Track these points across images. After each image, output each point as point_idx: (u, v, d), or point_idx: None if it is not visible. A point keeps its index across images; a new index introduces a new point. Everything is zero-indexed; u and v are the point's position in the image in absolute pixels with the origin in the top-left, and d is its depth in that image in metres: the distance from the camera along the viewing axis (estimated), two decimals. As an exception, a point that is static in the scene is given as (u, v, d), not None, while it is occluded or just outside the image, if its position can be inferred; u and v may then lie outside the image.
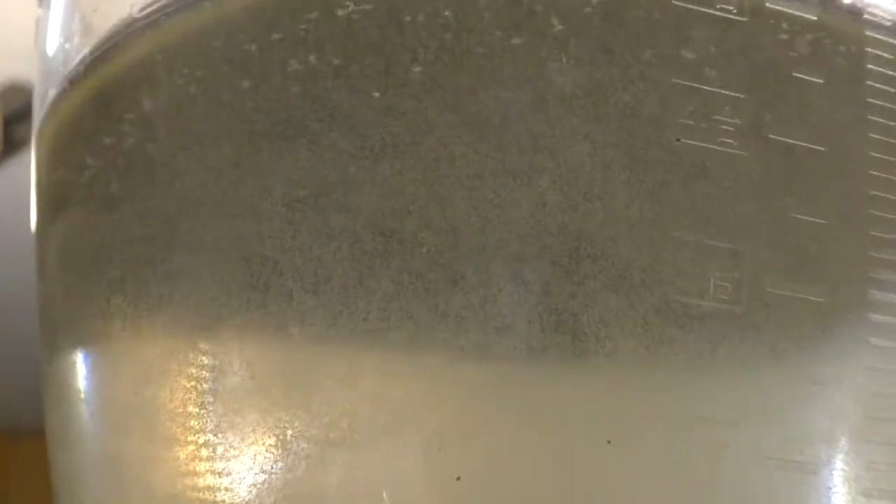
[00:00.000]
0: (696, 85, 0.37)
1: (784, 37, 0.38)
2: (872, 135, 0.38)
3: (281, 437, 0.37)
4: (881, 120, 0.38)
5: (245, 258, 0.38)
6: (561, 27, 0.37)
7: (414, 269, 0.37)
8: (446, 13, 0.38)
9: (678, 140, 0.37)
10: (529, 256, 0.37)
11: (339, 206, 0.38)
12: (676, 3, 0.37)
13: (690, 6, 0.37)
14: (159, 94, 0.41)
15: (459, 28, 0.38)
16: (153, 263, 0.40)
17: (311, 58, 0.39)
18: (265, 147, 0.39)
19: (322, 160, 0.38)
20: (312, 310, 0.37)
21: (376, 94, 0.38)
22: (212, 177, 0.40)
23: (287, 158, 0.38)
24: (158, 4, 0.42)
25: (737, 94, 0.37)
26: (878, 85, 0.38)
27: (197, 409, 0.39)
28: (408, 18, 0.38)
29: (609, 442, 0.36)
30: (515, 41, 0.37)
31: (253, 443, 0.38)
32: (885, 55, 0.39)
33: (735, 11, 0.37)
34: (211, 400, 0.39)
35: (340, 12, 0.38)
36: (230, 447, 0.38)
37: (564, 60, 0.38)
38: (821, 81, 0.38)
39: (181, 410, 0.39)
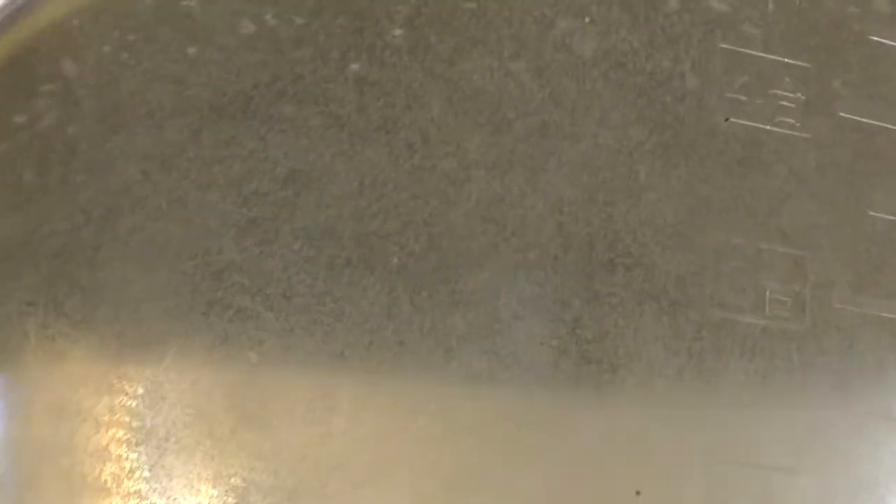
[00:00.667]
0: (748, 51, 0.30)
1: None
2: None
3: (229, 485, 0.30)
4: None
5: (190, 266, 0.31)
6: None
7: (400, 282, 0.30)
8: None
9: (727, 119, 0.30)
10: (542, 266, 0.30)
11: (306, 201, 0.31)
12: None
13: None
14: (84, 63, 0.33)
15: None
16: (74, 275, 0.32)
17: (268, 17, 0.31)
18: (216, 129, 0.31)
19: (286, 145, 0.30)
20: (272, 330, 0.30)
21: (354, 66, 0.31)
22: (150, 166, 0.32)
23: (244, 143, 0.31)
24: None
25: (799, 63, 0.30)
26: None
27: (126, 451, 0.31)
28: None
29: (638, 493, 0.29)
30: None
31: (196, 493, 0.30)
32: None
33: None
34: (143, 439, 0.31)
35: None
36: (167, 498, 0.31)
37: (573, 17, 0.31)
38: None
39: (107, 452, 0.32)
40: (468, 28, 0.31)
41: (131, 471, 0.32)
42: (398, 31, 0.31)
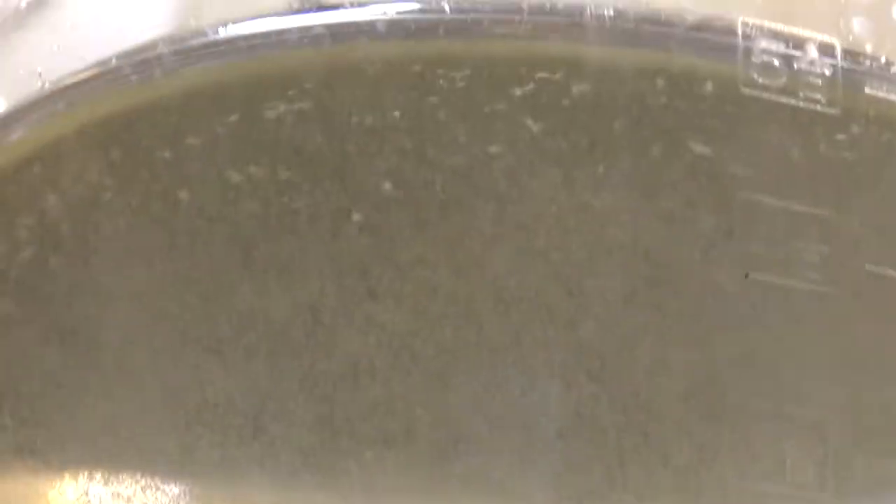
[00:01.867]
0: (771, 200, 0.28)
1: (890, 136, 0.29)
2: None
3: None
4: None
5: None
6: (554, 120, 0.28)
7: (395, 426, 0.28)
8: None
9: (746, 275, 0.28)
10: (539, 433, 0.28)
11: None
12: (745, 91, 0.28)
13: (762, 94, 0.28)
14: (67, 197, 0.31)
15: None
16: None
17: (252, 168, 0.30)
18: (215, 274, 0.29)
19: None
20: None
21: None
22: (142, 303, 0.30)
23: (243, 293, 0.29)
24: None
25: (824, 213, 0.28)
26: None
27: None
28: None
29: None
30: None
31: None
32: None
33: (824, 102, 0.28)
34: None
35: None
36: None
37: (580, 166, 0.29)
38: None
39: None
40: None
41: None
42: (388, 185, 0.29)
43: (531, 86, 0.30)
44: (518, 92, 0.30)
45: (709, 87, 0.30)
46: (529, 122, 0.30)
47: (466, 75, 0.30)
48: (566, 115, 0.30)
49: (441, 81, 0.30)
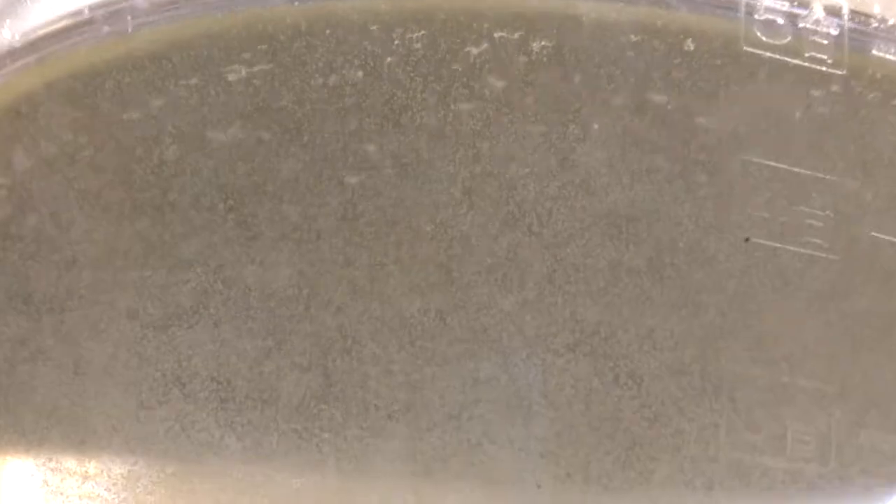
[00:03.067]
0: (772, 163, 0.27)
1: (898, 100, 0.28)
2: None
3: None
4: None
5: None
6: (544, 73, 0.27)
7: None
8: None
9: (747, 239, 0.27)
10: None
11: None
12: (748, 49, 0.27)
13: (765, 53, 0.27)
14: (37, 154, 0.30)
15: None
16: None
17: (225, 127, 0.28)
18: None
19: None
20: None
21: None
22: (112, 266, 0.29)
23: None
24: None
25: (828, 177, 0.27)
26: None
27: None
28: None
29: None
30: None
31: None
32: None
33: (829, 62, 0.27)
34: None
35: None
36: None
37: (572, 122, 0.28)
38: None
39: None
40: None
41: None
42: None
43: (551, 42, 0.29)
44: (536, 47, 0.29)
45: (709, 44, 0.28)
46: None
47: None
48: (562, 71, 0.29)
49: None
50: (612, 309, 0.28)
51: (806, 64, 0.28)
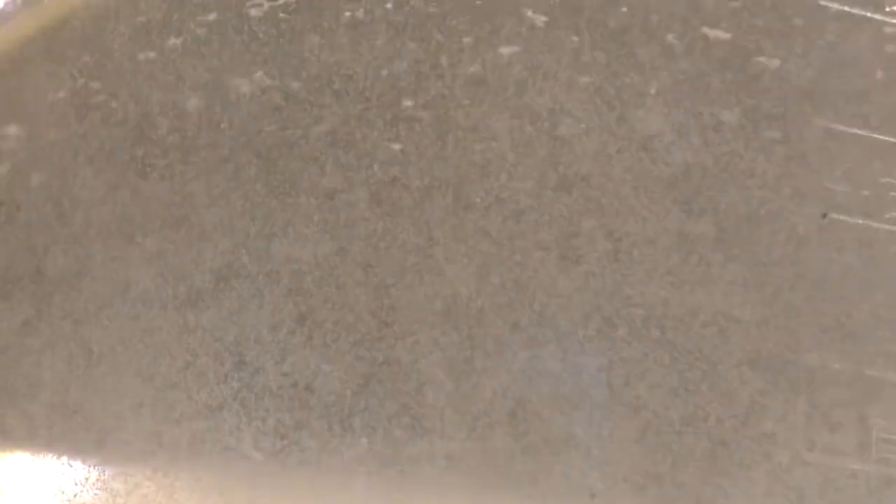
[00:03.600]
0: (855, 130, 0.24)
1: None
2: None
3: None
4: None
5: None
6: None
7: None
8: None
9: (824, 215, 0.24)
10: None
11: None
12: (823, 3, 0.24)
13: (846, 8, 0.24)
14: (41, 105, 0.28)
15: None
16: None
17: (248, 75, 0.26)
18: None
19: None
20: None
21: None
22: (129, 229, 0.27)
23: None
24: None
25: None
26: None
27: None
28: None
29: None
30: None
31: None
32: None
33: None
34: None
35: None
36: None
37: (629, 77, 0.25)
38: None
39: None
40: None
41: None
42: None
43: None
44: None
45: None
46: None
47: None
48: (621, 22, 0.26)
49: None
50: (682, 290, 0.26)
51: (887, 18, 0.25)
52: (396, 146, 0.26)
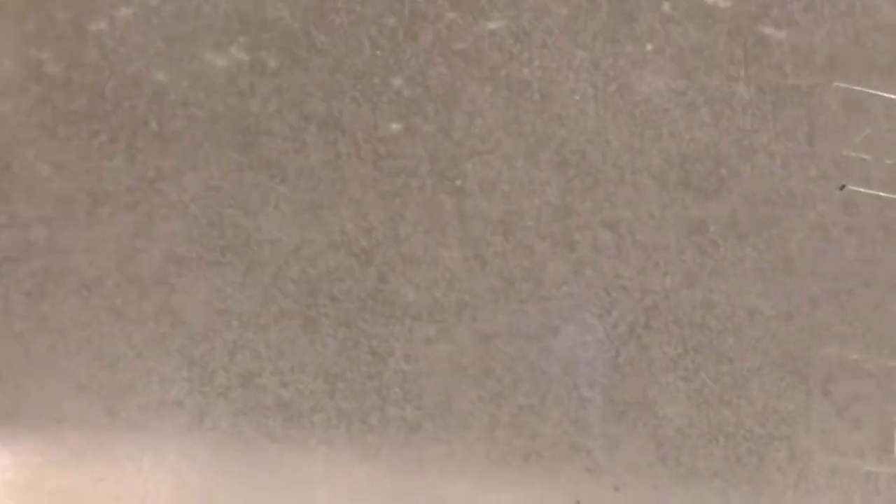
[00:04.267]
0: (874, 91, 0.22)
1: None
2: None
3: None
4: None
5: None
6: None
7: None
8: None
9: (842, 187, 0.22)
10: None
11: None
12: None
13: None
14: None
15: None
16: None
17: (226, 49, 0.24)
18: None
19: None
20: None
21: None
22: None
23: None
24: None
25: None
26: None
27: None
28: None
29: None
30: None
31: None
32: None
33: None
34: None
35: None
36: None
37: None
38: None
39: None
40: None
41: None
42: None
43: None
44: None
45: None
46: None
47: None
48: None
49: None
50: (690, 277, 0.24)
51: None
52: (385, 118, 0.24)
